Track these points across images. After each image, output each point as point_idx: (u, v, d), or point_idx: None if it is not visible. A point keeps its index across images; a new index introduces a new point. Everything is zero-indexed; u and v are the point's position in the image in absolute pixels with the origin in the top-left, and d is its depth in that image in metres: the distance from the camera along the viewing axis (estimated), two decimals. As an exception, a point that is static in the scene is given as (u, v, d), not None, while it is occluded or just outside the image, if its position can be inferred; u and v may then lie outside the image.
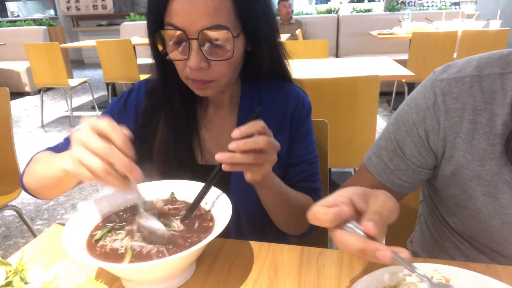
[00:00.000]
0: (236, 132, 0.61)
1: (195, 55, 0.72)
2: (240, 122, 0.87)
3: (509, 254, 0.69)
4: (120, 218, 0.69)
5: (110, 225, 0.67)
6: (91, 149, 0.54)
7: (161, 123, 0.87)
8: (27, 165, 0.85)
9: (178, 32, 0.72)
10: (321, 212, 0.48)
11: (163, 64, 0.84)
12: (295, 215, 0.82)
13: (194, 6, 0.70)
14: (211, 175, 0.67)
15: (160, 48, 0.78)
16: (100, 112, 4.81)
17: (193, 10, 0.70)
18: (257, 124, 0.63)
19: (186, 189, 0.74)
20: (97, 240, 0.63)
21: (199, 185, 0.73)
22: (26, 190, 0.86)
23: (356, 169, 2.13)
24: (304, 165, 0.90)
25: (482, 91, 0.64)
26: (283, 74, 0.92)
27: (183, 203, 0.73)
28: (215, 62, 0.75)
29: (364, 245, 0.46)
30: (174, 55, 0.76)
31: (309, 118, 0.92)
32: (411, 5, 7.59)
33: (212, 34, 0.72)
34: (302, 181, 0.90)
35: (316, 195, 0.92)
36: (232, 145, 0.61)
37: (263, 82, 0.90)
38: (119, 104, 0.93)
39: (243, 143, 0.61)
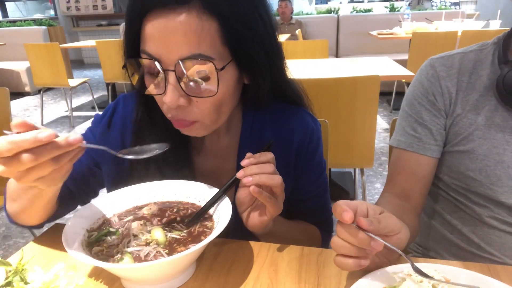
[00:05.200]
0: (245, 161, 0.64)
1: (171, 90, 0.61)
2: (241, 154, 0.79)
3: (501, 197, 0.78)
4: (118, 221, 0.69)
5: (105, 228, 0.66)
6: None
7: (151, 163, 0.76)
8: (5, 195, 0.72)
9: (153, 62, 0.61)
10: (339, 205, 0.54)
11: (145, 98, 0.72)
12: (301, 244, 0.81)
13: (169, 31, 0.59)
14: (225, 184, 0.67)
15: (134, 80, 0.67)
16: (100, 112, 4.82)
17: (169, 36, 0.59)
18: (267, 156, 0.65)
19: (185, 189, 0.74)
20: (91, 243, 0.62)
21: (199, 185, 0.73)
22: (14, 222, 0.74)
23: (356, 169, 2.15)
24: (313, 200, 0.87)
25: (468, 60, 0.84)
26: (290, 97, 0.83)
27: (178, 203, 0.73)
28: (196, 99, 0.64)
29: (361, 234, 0.52)
30: (151, 88, 0.65)
31: (318, 150, 0.84)
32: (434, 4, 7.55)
33: (191, 66, 0.60)
34: (310, 215, 0.88)
35: (326, 226, 0.91)
36: (239, 173, 0.63)
37: (267, 108, 0.79)
38: (102, 125, 0.81)
39: (249, 169, 0.63)
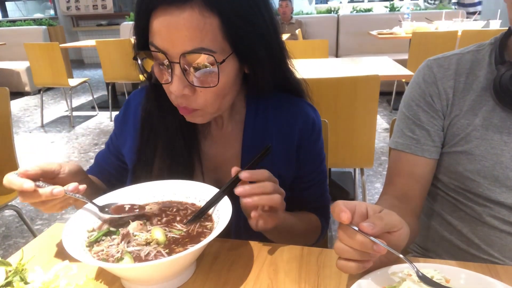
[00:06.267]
0: (244, 174, 0.63)
1: (177, 80, 0.66)
2: (246, 141, 0.83)
3: (500, 197, 0.78)
4: (118, 221, 0.69)
5: (105, 228, 0.66)
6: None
7: (158, 148, 0.82)
8: None
9: (161, 54, 0.66)
10: (338, 205, 0.54)
11: (154, 86, 0.77)
12: (302, 241, 0.84)
13: (174, 26, 0.63)
14: (225, 185, 0.68)
15: (144, 69, 0.73)
16: (100, 112, 4.83)
17: (173, 31, 0.63)
18: (263, 174, 0.65)
19: (185, 189, 0.74)
20: (91, 243, 0.63)
21: (199, 185, 0.73)
22: None
23: (356, 169, 2.15)
24: (314, 188, 0.90)
25: (465, 61, 0.84)
26: (292, 89, 0.86)
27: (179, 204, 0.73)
28: (200, 89, 0.68)
29: (363, 239, 0.52)
30: (159, 77, 0.71)
31: (319, 140, 0.88)
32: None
33: (195, 58, 0.65)
34: (311, 202, 0.91)
35: (325, 213, 0.93)
36: (238, 190, 0.63)
37: (270, 97, 0.84)
38: (119, 121, 0.90)
39: (249, 188, 0.63)
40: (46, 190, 0.63)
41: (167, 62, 0.66)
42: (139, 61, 0.72)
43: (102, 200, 0.71)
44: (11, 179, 0.64)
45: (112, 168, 0.92)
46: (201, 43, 0.64)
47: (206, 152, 0.85)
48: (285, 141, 0.83)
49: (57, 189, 0.64)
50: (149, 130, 0.83)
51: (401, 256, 0.55)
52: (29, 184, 0.62)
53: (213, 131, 0.86)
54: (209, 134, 0.86)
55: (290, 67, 0.83)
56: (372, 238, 0.52)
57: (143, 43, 0.70)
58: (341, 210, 0.53)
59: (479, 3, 5.85)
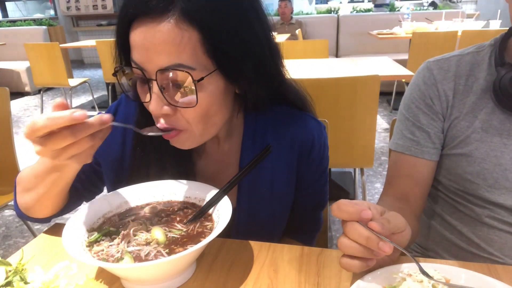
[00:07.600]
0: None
1: (155, 98, 0.61)
2: (243, 160, 0.79)
3: (499, 198, 0.79)
4: (119, 221, 0.69)
5: (105, 228, 0.66)
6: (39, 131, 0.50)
7: (151, 170, 0.77)
8: (15, 189, 0.78)
9: (139, 71, 0.62)
10: (346, 203, 0.54)
11: (141, 105, 0.70)
12: None
13: (150, 40, 0.58)
14: (226, 184, 0.67)
15: (124, 86, 0.68)
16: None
17: (149, 46, 0.58)
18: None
19: (185, 189, 0.74)
20: (91, 243, 0.62)
21: (199, 185, 0.73)
22: (24, 216, 0.77)
23: (356, 169, 2.15)
24: (311, 192, 0.87)
25: (465, 63, 0.84)
26: (292, 102, 0.81)
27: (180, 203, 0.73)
28: (180, 108, 0.63)
29: (370, 234, 0.52)
30: (142, 96, 0.66)
31: (323, 156, 0.83)
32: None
33: (172, 75, 0.59)
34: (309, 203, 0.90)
35: (316, 224, 0.95)
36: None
37: (270, 113, 0.80)
38: None
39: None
40: (95, 118, 0.53)
41: (145, 80, 0.62)
42: (118, 78, 0.67)
43: (101, 199, 0.71)
44: (51, 116, 0.49)
45: (83, 168, 0.78)
46: (179, 59, 0.58)
47: (201, 171, 0.81)
48: (285, 157, 0.80)
49: (105, 115, 0.54)
50: (140, 151, 0.78)
51: (406, 252, 0.54)
52: (80, 111, 0.50)
53: (209, 150, 0.81)
54: (204, 153, 0.81)
55: (290, 82, 0.78)
56: (378, 235, 0.52)
57: (124, 59, 0.66)
58: (362, 208, 0.53)
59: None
